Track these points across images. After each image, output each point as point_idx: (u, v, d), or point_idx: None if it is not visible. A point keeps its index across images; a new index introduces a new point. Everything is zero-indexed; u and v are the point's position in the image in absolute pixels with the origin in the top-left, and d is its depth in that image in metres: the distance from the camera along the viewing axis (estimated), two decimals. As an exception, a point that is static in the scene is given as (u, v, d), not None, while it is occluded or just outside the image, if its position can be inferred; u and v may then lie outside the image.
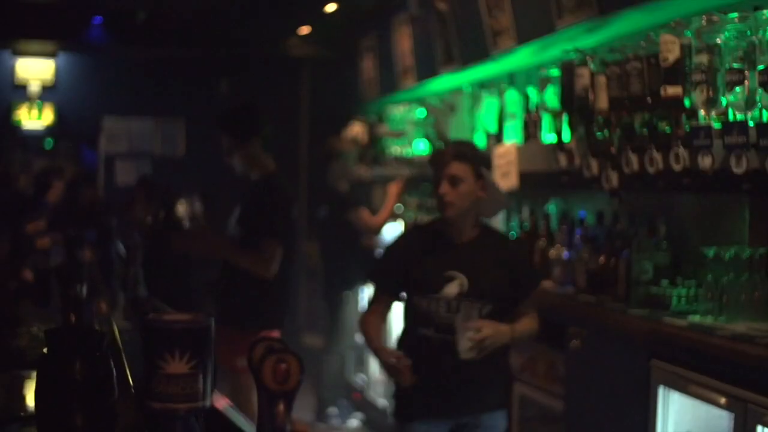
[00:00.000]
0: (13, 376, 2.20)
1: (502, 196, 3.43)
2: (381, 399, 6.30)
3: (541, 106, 4.43)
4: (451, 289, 3.20)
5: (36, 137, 8.60)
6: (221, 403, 2.01)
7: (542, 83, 4.36)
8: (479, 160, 3.30)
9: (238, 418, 1.95)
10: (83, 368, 1.71)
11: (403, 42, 6.74)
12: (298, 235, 4.63)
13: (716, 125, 3.06)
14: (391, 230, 6.77)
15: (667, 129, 3.33)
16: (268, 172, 4.42)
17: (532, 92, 4.64)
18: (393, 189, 6.41)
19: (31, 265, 3.36)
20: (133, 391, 1.97)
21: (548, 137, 4.38)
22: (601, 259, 3.86)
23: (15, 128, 8.41)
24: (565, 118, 4.04)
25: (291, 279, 4.57)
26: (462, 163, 3.23)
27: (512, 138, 4.78)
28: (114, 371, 1.75)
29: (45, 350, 1.74)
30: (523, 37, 4.69)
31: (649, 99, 3.38)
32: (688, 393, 3.01)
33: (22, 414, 1.99)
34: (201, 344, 1.42)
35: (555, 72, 4.14)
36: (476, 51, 5.27)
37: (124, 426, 1.75)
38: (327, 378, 6.34)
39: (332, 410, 6.39)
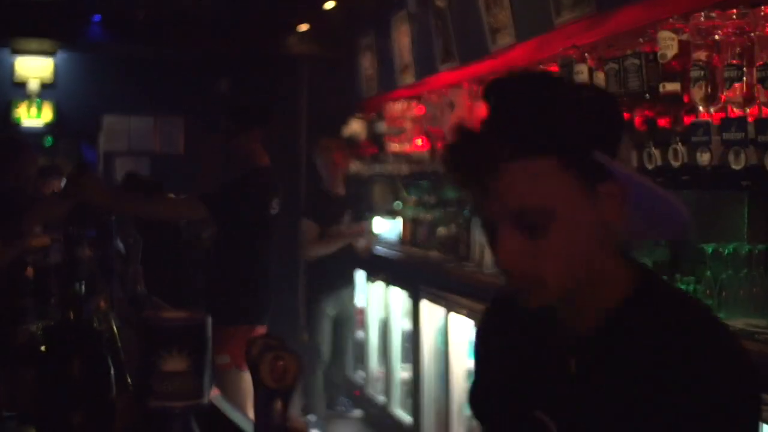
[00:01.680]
0: (11, 374, 2.20)
1: (671, 203, 1.35)
2: (380, 396, 6.31)
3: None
4: None
5: (35, 135, 8.60)
6: (218, 400, 2.01)
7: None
8: (587, 131, 1.26)
9: (236, 416, 1.95)
10: (81, 366, 1.71)
11: (402, 39, 6.73)
12: (276, 230, 4.54)
13: (715, 121, 3.06)
14: (386, 228, 6.74)
15: (666, 125, 3.33)
16: (258, 165, 4.38)
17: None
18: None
19: (30, 262, 3.36)
20: (131, 388, 1.97)
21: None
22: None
23: (15, 126, 8.41)
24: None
25: (270, 274, 4.51)
26: (536, 160, 1.24)
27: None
28: (112, 369, 1.75)
29: (43, 348, 1.74)
30: (522, 34, 4.69)
31: (647, 95, 3.37)
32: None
33: (20, 411, 1.99)
34: (198, 342, 1.42)
35: (553, 68, 4.13)
36: (475, 48, 5.27)
37: (122, 423, 1.75)
38: (326, 376, 6.32)
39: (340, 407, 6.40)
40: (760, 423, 1.31)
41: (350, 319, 6.33)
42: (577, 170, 1.24)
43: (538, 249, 1.25)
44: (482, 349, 1.55)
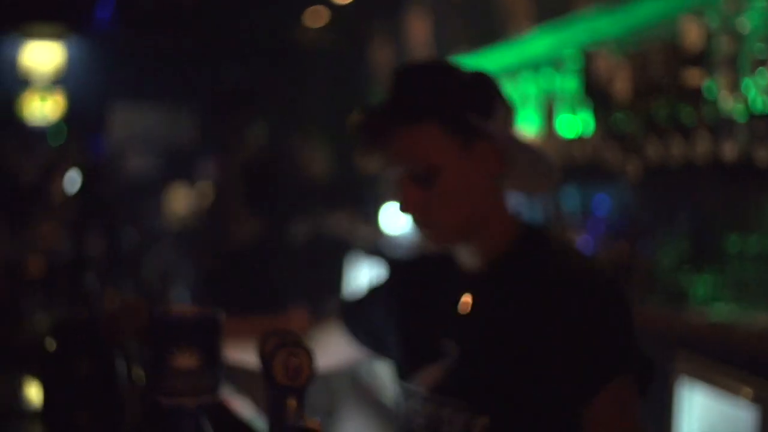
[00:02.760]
0: (19, 372, 2.17)
1: (545, 161, 1.59)
2: (392, 394, 6.26)
3: (561, 94, 4.38)
4: (432, 374, 1.59)
5: (44, 126, 8.57)
6: (231, 397, 1.98)
7: (562, 71, 4.31)
8: (461, 100, 1.54)
9: (248, 413, 1.91)
10: (90, 363, 1.68)
11: (417, 26, 6.70)
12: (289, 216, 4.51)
13: (740, 112, 3.00)
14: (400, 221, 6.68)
15: (690, 116, 3.27)
16: (258, 154, 4.40)
17: (551, 80, 4.58)
18: None
19: (39, 257, 3.33)
20: (141, 385, 1.93)
21: (568, 125, 4.33)
22: (622, 249, 3.80)
23: (22, 118, 8.39)
24: (585, 105, 3.99)
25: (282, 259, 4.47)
26: (419, 126, 1.52)
27: (530, 126, 4.73)
28: (121, 366, 1.71)
29: (50, 345, 1.71)
30: (540, 19, 4.64)
31: (670, 85, 3.32)
32: (712, 385, 2.96)
33: (28, 410, 1.96)
34: (209, 337, 1.39)
35: (575, 59, 4.08)
36: (492, 34, 5.22)
37: (132, 421, 1.72)
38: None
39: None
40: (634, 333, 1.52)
41: None
42: (453, 132, 1.53)
43: (430, 198, 1.54)
44: (397, 278, 1.78)
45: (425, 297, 1.68)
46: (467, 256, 1.60)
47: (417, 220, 1.57)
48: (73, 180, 4.01)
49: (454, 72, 1.58)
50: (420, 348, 1.63)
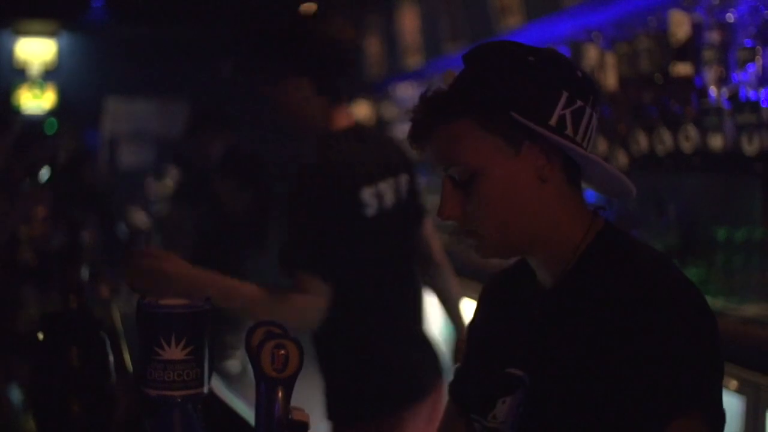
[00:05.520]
0: (9, 361, 2.17)
1: (604, 164, 1.42)
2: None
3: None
4: (505, 408, 1.43)
5: (38, 120, 8.56)
6: (220, 389, 1.99)
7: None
8: (507, 93, 1.34)
9: (237, 405, 1.92)
10: (79, 354, 1.68)
11: (409, 19, 6.68)
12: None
13: (727, 104, 3.02)
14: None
15: (677, 108, 3.28)
16: (342, 127, 2.39)
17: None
18: None
19: (31, 247, 3.32)
20: (130, 376, 1.94)
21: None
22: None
23: (16, 111, 8.38)
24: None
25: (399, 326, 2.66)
26: (456, 123, 1.36)
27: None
28: (111, 357, 1.72)
29: (41, 335, 1.72)
30: (530, 13, 4.64)
31: (658, 77, 3.33)
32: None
33: (19, 400, 1.97)
34: (198, 330, 1.39)
35: (563, 50, 4.08)
36: (483, 28, 5.22)
37: (122, 412, 1.73)
38: None
39: None
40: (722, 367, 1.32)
41: None
42: (494, 131, 1.33)
43: (471, 203, 1.36)
44: (473, 333, 1.59)
45: (501, 319, 1.51)
46: (538, 271, 1.43)
47: (459, 229, 1.39)
48: (45, 174, 3.95)
49: (508, 59, 1.37)
50: (492, 378, 1.44)
